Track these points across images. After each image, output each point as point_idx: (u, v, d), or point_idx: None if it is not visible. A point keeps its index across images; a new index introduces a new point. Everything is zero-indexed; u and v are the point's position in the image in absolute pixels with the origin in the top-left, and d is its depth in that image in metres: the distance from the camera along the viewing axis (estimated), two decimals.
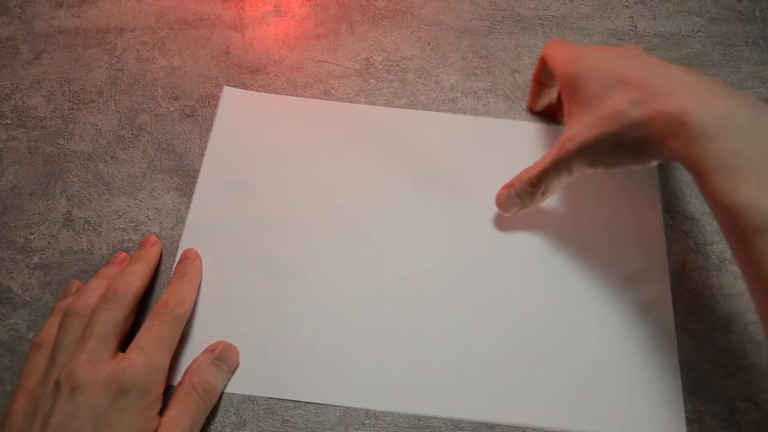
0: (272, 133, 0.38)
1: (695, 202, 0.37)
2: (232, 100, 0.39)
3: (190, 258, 0.33)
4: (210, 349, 0.30)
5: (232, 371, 0.31)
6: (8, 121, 0.38)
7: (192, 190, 0.36)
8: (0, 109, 0.39)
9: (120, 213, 0.36)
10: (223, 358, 0.30)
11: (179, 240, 0.35)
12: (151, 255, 0.33)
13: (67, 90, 0.40)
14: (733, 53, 0.42)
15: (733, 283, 0.34)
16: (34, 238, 0.35)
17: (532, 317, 0.33)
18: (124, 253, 0.34)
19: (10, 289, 0.33)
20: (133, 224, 0.35)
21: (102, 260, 0.34)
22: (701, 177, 0.25)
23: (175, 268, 0.33)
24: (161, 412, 0.27)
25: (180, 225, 0.35)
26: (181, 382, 0.29)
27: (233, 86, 0.40)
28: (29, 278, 0.34)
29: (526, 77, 0.41)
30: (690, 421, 0.31)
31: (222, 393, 0.30)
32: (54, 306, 0.32)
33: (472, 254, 0.35)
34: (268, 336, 0.32)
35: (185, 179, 0.37)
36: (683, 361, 0.32)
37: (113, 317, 0.28)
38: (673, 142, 0.25)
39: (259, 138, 0.38)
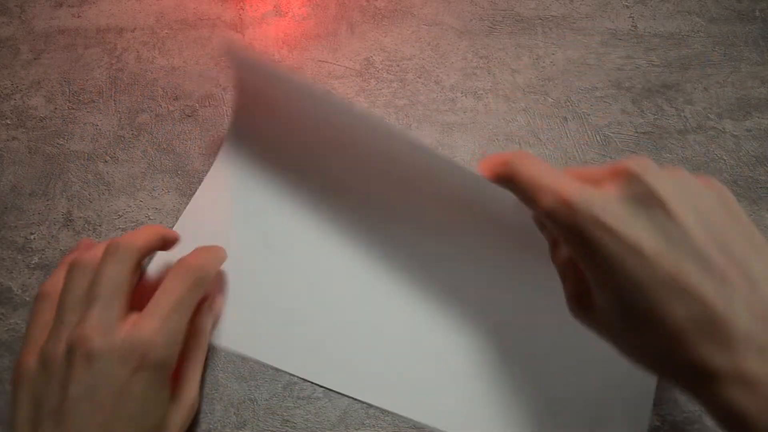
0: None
1: None
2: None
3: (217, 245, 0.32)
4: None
5: (222, 261, 0.30)
6: (8, 121, 0.38)
7: (192, 190, 0.36)
8: (0, 109, 0.39)
9: (120, 213, 0.36)
10: (212, 247, 0.30)
11: None
12: (161, 227, 0.31)
13: (67, 90, 0.40)
14: (733, 53, 0.42)
15: None
16: (34, 238, 0.35)
17: (519, 327, 0.33)
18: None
19: (10, 289, 0.33)
20: (133, 224, 0.35)
21: None
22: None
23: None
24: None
25: None
26: (167, 272, 0.28)
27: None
28: (29, 278, 0.34)
29: (526, 77, 0.41)
30: (689, 421, 0.31)
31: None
32: (62, 259, 0.31)
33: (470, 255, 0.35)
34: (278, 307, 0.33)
35: (185, 179, 0.37)
36: None
37: (118, 272, 0.26)
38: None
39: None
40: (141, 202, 0.36)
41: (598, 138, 0.39)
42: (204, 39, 0.42)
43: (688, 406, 0.31)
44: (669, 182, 0.22)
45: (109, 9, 0.43)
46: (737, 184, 0.38)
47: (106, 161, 0.37)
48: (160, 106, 0.39)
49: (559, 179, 0.23)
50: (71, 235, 0.35)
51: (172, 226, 0.35)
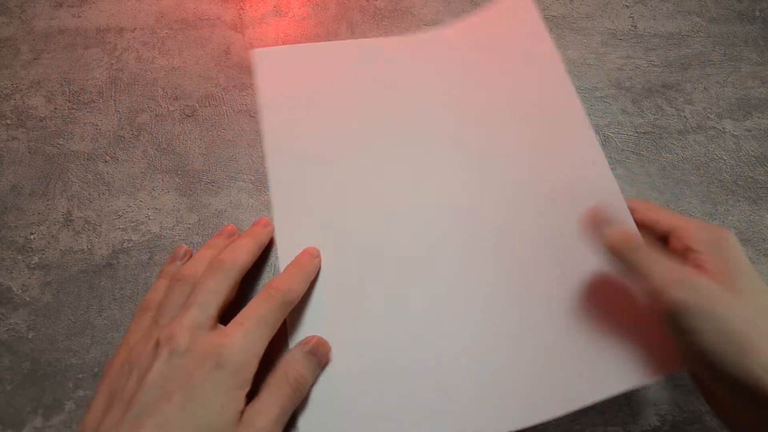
0: (317, 83, 0.38)
1: (695, 202, 0.37)
2: (266, 61, 0.39)
3: (311, 254, 0.33)
4: (303, 342, 0.30)
5: (323, 366, 0.31)
6: (8, 121, 0.38)
7: (192, 190, 0.36)
8: (0, 109, 0.39)
9: (120, 213, 0.36)
10: (316, 351, 0.30)
11: (179, 240, 0.35)
12: (261, 234, 0.33)
13: (67, 90, 0.40)
14: (733, 53, 0.42)
15: None
16: (34, 238, 0.35)
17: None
18: (233, 226, 0.34)
19: (10, 289, 0.33)
20: (133, 224, 0.35)
21: (102, 260, 0.34)
22: None
23: (295, 258, 0.33)
24: (250, 397, 0.27)
25: (180, 225, 0.35)
26: (273, 371, 0.29)
27: (233, 86, 0.40)
28: (29, 278, 0.34)
29: None
30: (690, 421, 0.31)
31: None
32: (162, 269, 0.33)
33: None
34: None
35: (185, 179, 0.37)
36: None
37: (217, 287, 0.29)
38: None
39: (309, 92, 0.38)
40: (141, 202, 0.36)
41: (598, 138, 0.39)
42: (204, 39, 0.42)
43: (688, 406, 0.31)
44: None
45: (109, 9, 0.43)
46: (737, 184, 0.38)
47: (106, 161, 0.37)
48: (160, 106, 0.39)
49: (672, 279, 0.26)
50: (71, 235, 0.35)
51: (172, 226, 0.35)
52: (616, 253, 0.28)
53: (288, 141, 0.37)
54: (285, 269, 0.32)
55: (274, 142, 0.37)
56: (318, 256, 0.33)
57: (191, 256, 0.33)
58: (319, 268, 0.33)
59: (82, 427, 0.26)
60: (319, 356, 0.30)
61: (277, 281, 0.30)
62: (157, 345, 0.27)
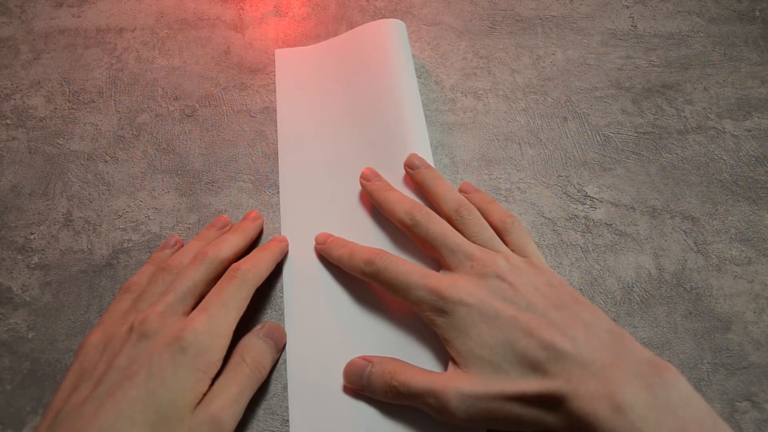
0: (330, 81, 0.39)
1: (695, 202, 0.37)
2: (287, 61, 0.40)
3: (277, 239, 0.34)
4: (257, 328, 0.31)
5: (280, 349, 0.31)
6: (8, 121, 0.38)
7: (192, 190, 0.36)
8: (0, 109, 0.39)
9: (120, 213, 0.36)
10: (272, 335, 0.31)
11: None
12: (250, 228, 0.34)
13: (67, 90, 0.40)
14: (733, 53, 0.42)
15: (733, 283, 0.34)
16: (34, 238, 0.35)
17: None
18: (226, 217, 0.35)
19: (10, 289, 0.33)
20: (133, 224, 0.35)
21: (102, 260, 0.34)
22: None
23: (264, 243, 0.34)
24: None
25: (180, 225, 0.35)
26: (231, 356, 0.29)
27: (233, 86, 0.40)
28: (29, 278, 0.34)
29: (526, 77, 0.41)
30: None
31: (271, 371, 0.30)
32: (151, 255, 0.33)
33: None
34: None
35: (185, 179, 0.37)
36: (683, 360, 0.32)
37: (196, 277, 0.29)
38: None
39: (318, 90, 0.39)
40: (141, 202, 0.36)
41: (598, 138, 0.39)
42: (204, 39, 0.42)
43: None
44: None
45: (109, 9, 0.43)
46: (737, 184, 0.38)
47: (106, 161, 0.37)
48: (160, 106, 0.39)
49: (423, 277, 0.29)
50: (71, 235, 0.35)
51: (172, 226, 0.35)
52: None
53: (299, 139, 0.38)
54: (251, 252, 0.32)
55: (286, 140, 0.38)
56: (285, 241, 0.34)
57: (182, 246, 0.34)
58: (286, 252, 0.34)
59: (50, 405, 0.26)
60: (275, 339, 0.31)
61: (240, 262, 0.30)
62: (131, 329, 0.27)
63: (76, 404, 0.25)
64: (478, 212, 0.32)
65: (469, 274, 0.29)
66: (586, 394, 0.24)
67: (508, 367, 0.26)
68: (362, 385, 0.29)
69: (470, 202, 0.33)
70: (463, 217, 0.31)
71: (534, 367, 0.25)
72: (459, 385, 0.26)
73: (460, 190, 0.35)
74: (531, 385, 0.25)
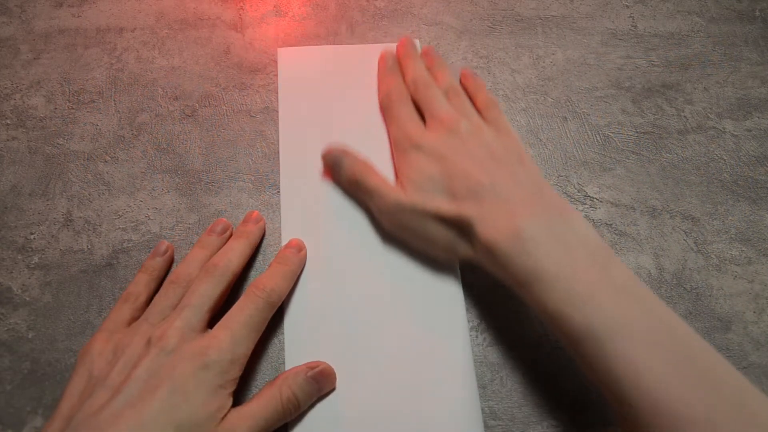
0: (334, 84, 0.40)
1: (695, 202, 0.37)
2: (289, 60, 0.41)
3: (295, 248, 0.33)
4: (310, 366, 0.30)
5: (321, 394, 0.30)
6: (8, 121, 0.38)
7: (192, 190, 0.36)
8: (0, 109, 0.39)
9: (120, 213, 0.36)
10: (318, 379, 0.30)
11: (179, 240, 0.35)
12: (254, 233, 0.34)
13: (67, 90, 0.40)
14: (733, 53, 0.42)
15: (733, 283, 0.34)
16: (34, 238, 0.35)
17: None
18: (225, 220, 0.34)
19: (10, 289, 0.33)
20: (133, 224, 0.35)
21: (102, 260, 0.34)
22: (521, 288, 0.28)
23: (279, 253, 0.33)
24: (236, 399, 0.28)
25: (180, 225, 0.35)
26: (272, 383, 0.29)
27: (233, 86, 0.40)
28: (29, 278, 0.34)
29: (526, 77, 0.41)
30: None
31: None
32: (143, 263, 0.33)
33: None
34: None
35: (185, 179, 0.37)
36: None
37: (209, 291, 0.29)
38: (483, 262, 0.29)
39: (326, 93, 0.39)
40: (141, 202, 0.36)
41: (598, 138, 0.39)
42: (204, 39, 0.42)
43: None
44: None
45: (109, 9, 0.43)
46: (737, 184, 0.38)
47: (106, 161, 0.37)
48: (160, 106, 0.39)
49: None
50: (71, 235, 0.35)
51: (172, 226, 0.35)
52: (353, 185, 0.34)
53: (301, 138, 0.38)
54: (270, 266, 0.32)
55: (288, 139, 0.38)
56: (303, 248, 0.34)
57: (172, 252, 0.34)
58: (305, 262, 0.33)
59: (57, 410, 0.26)
60: (321, 384, 0.30)
61: (262, 281, 0.30)
62: (149, 343, 0.27)
63: (91, 412, 0.25)
64: (463, 93, 0.37)
65: (436, 130, 0.34)
66: (492, 221, 0.29)
67: (434, 192, 0.31)
68: (335, 171, 0.35)
69: (463, 86, 0.38)
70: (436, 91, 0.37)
71: (454, 195, 0.31)
72: (396, 194, 0.32)
73: (461, 75, 0.39)
74: (448, 205, 0.30)
